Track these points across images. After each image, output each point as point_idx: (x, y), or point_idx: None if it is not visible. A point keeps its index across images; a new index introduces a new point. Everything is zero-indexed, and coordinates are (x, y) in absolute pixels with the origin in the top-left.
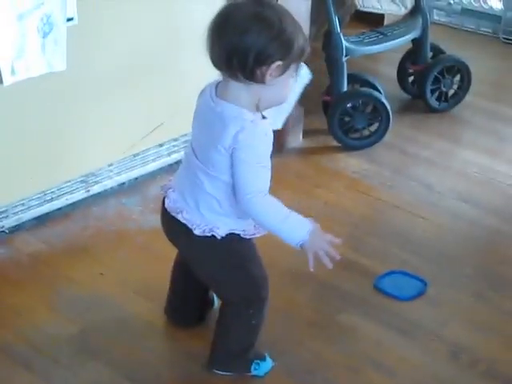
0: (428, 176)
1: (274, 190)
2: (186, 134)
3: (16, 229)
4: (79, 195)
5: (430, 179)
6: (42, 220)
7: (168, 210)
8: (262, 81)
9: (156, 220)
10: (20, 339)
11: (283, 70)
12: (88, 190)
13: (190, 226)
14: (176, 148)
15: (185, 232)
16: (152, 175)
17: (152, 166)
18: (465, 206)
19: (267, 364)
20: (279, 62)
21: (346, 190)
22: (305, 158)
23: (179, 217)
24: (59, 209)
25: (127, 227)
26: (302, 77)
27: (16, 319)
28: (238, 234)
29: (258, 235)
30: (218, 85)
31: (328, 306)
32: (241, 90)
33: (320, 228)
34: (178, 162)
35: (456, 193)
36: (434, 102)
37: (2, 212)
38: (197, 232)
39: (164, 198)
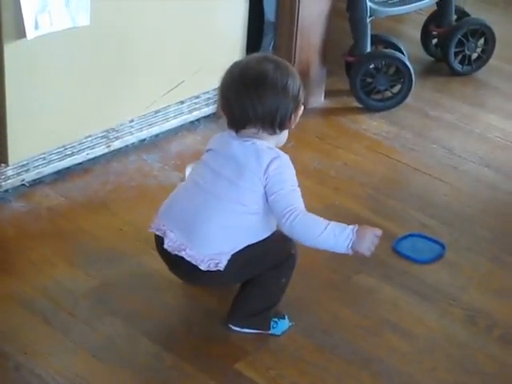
0: (449, 139)
1: (295, 150)
2: (207, 92)
3: (36, 182)
4: (100, 150)
5: (452, 143)
6: (62, 174)
7: (170, 250)
8: (289, 127)
9: (176, 176)
10: (39, 293)
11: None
12: (109, 146)
13: (194, 262)
14: (197, 105)
15: (191, 266)
16: (173, 132)
17: (173, 123)
18: (486, 171)
19: (285, 323)
20: (297, 114)
21: (366, 152)
22: (326, 119)
23: (183, 254)
24: (80, 163)
25: (147, 183)
26: None
27: (35, 273)
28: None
29: None
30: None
31: (346, 267)
32: (267, 137)
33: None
34: (199, 120)
35: (477, 157)
36: (457, 65)
37: (23, 166)
38: (202, 267)
39: (158, 238)
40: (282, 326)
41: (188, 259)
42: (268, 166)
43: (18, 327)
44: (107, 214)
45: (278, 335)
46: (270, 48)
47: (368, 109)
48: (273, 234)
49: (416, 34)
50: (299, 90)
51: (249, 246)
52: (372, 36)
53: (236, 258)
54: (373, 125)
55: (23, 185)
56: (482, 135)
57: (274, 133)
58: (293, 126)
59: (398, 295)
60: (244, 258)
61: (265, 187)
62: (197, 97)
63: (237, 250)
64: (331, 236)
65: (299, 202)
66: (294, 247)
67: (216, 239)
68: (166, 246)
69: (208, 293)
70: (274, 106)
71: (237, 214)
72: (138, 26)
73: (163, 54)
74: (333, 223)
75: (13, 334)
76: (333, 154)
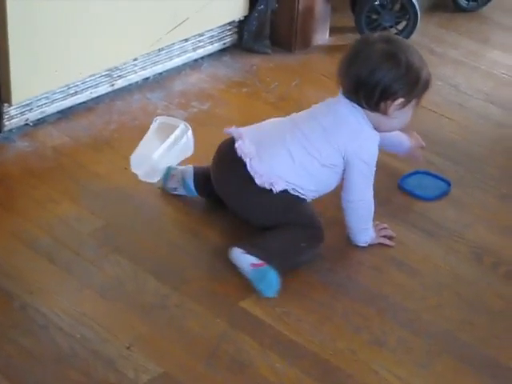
0: (455, 76)
1: (299, 88)
2: (211, 30)
3: (40, 122)
4: (103, 89)
5: (457, 79)
6: (65, 113)
7: (238, 151)
8: (384, 112)
9: (180, 115)
10: (43, 232)
11: (406, 104)
12: (112, 84)
13: (252, 173)
14: (201, 43)
15: (240, 180)
16: (177, 70)
17: (177, 61)
18: (492, 107)
19: (276, 286)
20: (402, 99)
21: None
22: (331, 56)
23: (247, 160)
24: (83, 102)
25: (151, 122)
26: (185, 147)
27: (40, 212)
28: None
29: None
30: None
31: None
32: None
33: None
34: (203, 58)
35: (483, 93)
36: (462, 1)
37: (26, 105)
38: (257, 181)
39: (222, 146)
40: (275, 285)
41: (248, 169)
42: (354, 148)
43: (22, 266)
44: (111, 153)
45: (268, 295)
46: None
47: None
48: (310, 211)
49: None
50: (420, 75)
51: (292, 195)
52: None
53: (284, 194)
54: None
55: (27, 124)
56: (487, 71)
57: (369, 108)
58: (394, 111)
59: (405, 233)
60: (287, 200)
61: (343, 158)
62: (201, 34)
63: (291, 185)
64: (367, 233)
65: (370, 191)
66: (322, 232)
67: (282, 165)
68: (236, 145)
69: (218, 233)
70: (374, 77)
71: (309, 157)
72: None
73: None
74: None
75: (17, 273)
76: (338, 91)
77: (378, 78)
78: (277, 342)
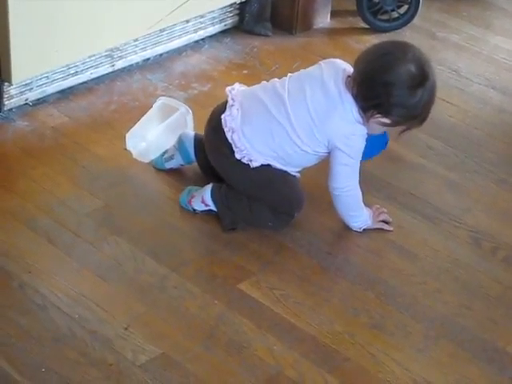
0: (456, 61)
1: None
2: (212, 11)
3: (40, 102)
4: (104, 70)
5: (459, 64)
6: (65, 94)
7: (223, 122)
8: (366, 117)
9: (180, 96)
10: (43, 212)
11: (388, 125)
12: (113, 65)
13: (234, 147)
14: (202, 25)
15: (225, 149)
16: (177, 51)
17: (178, 43)
18: (492, 92)
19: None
20: (390, 121)
21: None
22: (332, 39)
23: (228, 135)
24: (83, 83)
25: (152, 103)
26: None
27: (39, 192)
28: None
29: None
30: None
31: None
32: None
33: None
34: (203, 39)
35: (484, 79)
36: None
37: (26, 85)
38: (237, 156)
39: (216, 108)
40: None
41: (230, 141)
42: (340, 141)
43: (21, 246)
44: (111, 134)
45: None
46: None
47: (374, 29)
48: (297, 181)
49: None
50: (423, 113)
51: (275, 169)
52: None
53: (262, 169)
54: None
55: (27, 104)
56: (488, 56)
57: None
58: (368, 121)
59: (403, 217)
60: (264, 175)
61: (328, 147)
62: (202, 16)
63: (270, 162)
64: (357, 219)
65: (355, 179)
66: (297, 210)
67: (262, 143)
68: (222, 116)
69: (213, 216)
70: (383, 86)
71: (290, 142)
72: None
73: None
74: (364, 210)
75: (16, 252)
76: None
77: (388, 92)
78: (275, 324)
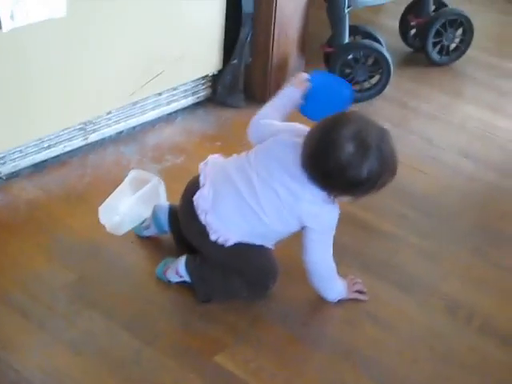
0: (428, 130)
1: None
2: (185, 84)
3: (13, 175)
4: (77, 143)
5: (430, 133)
6: (39, 167)
7: (195, 204)
8: (329, 196)
9: (153, 169)
10: (16, 286)
11: (357, 198)
12: (86, 138)
13: (208, 229)
14: (175, 97)
15: (199, 228)
16: (150, 124)
17: (151, 115)
18: (465, 161)
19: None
20: (349, 198)
21: None
22: None
23: (201, 217)
24: (57, 156)
25: (125, 176)
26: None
27: (13, 266)
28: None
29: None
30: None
31: None
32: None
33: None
34: (176, 112)
35: (456, 147)
36: (435, 56)
37: (0, 158)
38: (212, 237)
39: (190, 184)
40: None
41: (203, 223)
42: (312, 222)
43: None
44: (85, 207)
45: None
46: (248, 39)
47: None
48: (271, 252)
49: (394, 24)
50: (376, 189)
51: (243, 249)
52: (350, 27)
53: (237, 246)
54: None
55: (0, 178)
56: (460, 125)
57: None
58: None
59: (378, 286)
60: (239, 249)
61: (298, 224)
62: (175, 88)
63: (245, 241)
64: (332, 291)
65: (329, 253)
66: (271, 281)
67: (235, 224)
68: (194, 198)
69: (188, 288)
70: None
71: (262, 224)
72: (116, 16)
73: (141, 46)
74: (338, 281)
75: None
76: None
77: (335, 179)
78: None
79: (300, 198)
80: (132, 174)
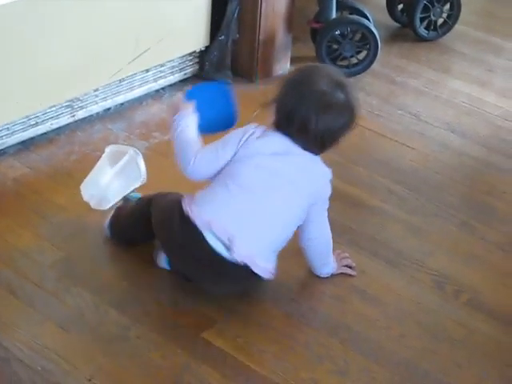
0: (416, 105)
1: (260, 119)
2: (172, 60)
3: (0, 153)
4: (64, 120)
5: (418, 108)
6: (26, 145)
7: (235, 256)
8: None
9: (141, 145)
10: (4, 264)
11: None
12: (73, 115)
13: (239, 260)
14: (162, 74)
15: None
16: (138, 101)
17: (138, 92)
18: (452, 136)
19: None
20: None
21: None
22: None
23: (247, 261)
24: (44, 134)
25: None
26: (134, 174)
27: (1, 244)
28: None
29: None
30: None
31: None
32: None
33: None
34: (164, 88)
35: (444, 122)
36: (423, 31)
37: None
38: (266, 275)
39: (185, 208)
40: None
41: (234, 256)
42: (319, 193)
43: None
44: (73, 185)
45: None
46: (235, 15)
47: None
48: None
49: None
50: None
51: None
52: (337, 2)
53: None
54: None
55: None
56: (447, 100)
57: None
58: None
59: (366, 262)
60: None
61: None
62: (162, 65)
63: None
64: (328, 266)
65: (328, 226)
66: None
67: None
68: (236, 255)
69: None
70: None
71: (287, 229)
72: None
73: (127, 22)
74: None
75: None
76: None
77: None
78: (239, 373)
79: (306, 176)
80: (109, 148)
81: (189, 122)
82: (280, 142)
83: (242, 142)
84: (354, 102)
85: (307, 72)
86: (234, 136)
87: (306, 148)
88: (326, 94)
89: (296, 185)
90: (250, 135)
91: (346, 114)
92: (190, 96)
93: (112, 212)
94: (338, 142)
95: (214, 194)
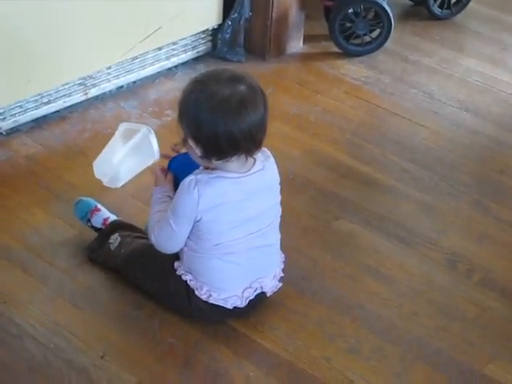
0: (429, 84)
1: (274, 96)
2: (184, 38)
3: (13, 131)
4: (77, 98)
5: (431, 87)
6: (39, 122)
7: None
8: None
9: (154, 123)
10: (17, 242)
11: None
12: (86, 93)
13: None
14: (175, 52)
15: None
16: (150, 79)
17: (150, 70)
18: (465, 115)
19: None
20: None
21: (346, 97)
22: (305, 64)
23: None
24: (57, 111)
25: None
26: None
27: (14, 222)
28: None
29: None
30: None
31: (326, 212)
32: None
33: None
34: (176, 66)
35: (457, 101)
36: (436, 9)
37: (0, 114)
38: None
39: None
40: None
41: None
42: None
43: None
44: (85, 163)
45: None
46: None
47: (347, 54)
48: None
49: None
50: None
51: None
52: None
53: None
54: (352, 69)
55: (0, 133)
56: (461, 79)
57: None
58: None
59: (379, 240)
60: None
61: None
62: (174, 43)
63: None
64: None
65: None
66: None
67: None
68: (268, 294)
69: None
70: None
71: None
72: None
73: (140, 0)
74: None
75: None
76: (312, 99)
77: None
78: (251, 350)
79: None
80: (122, 126)
81: (162, 195)
82: (230, 184)
83: (198, 213)
84: (255, 84)
85: (198, 90)
86: (186, 210)
87: (247, 156)
88: (232, 95)
89: (269, 191)
90: (199, 197)
91: (259, 100)
92: (173, 166)
93: (95, 241)
94: (266, 129)
95: (218, 271)
